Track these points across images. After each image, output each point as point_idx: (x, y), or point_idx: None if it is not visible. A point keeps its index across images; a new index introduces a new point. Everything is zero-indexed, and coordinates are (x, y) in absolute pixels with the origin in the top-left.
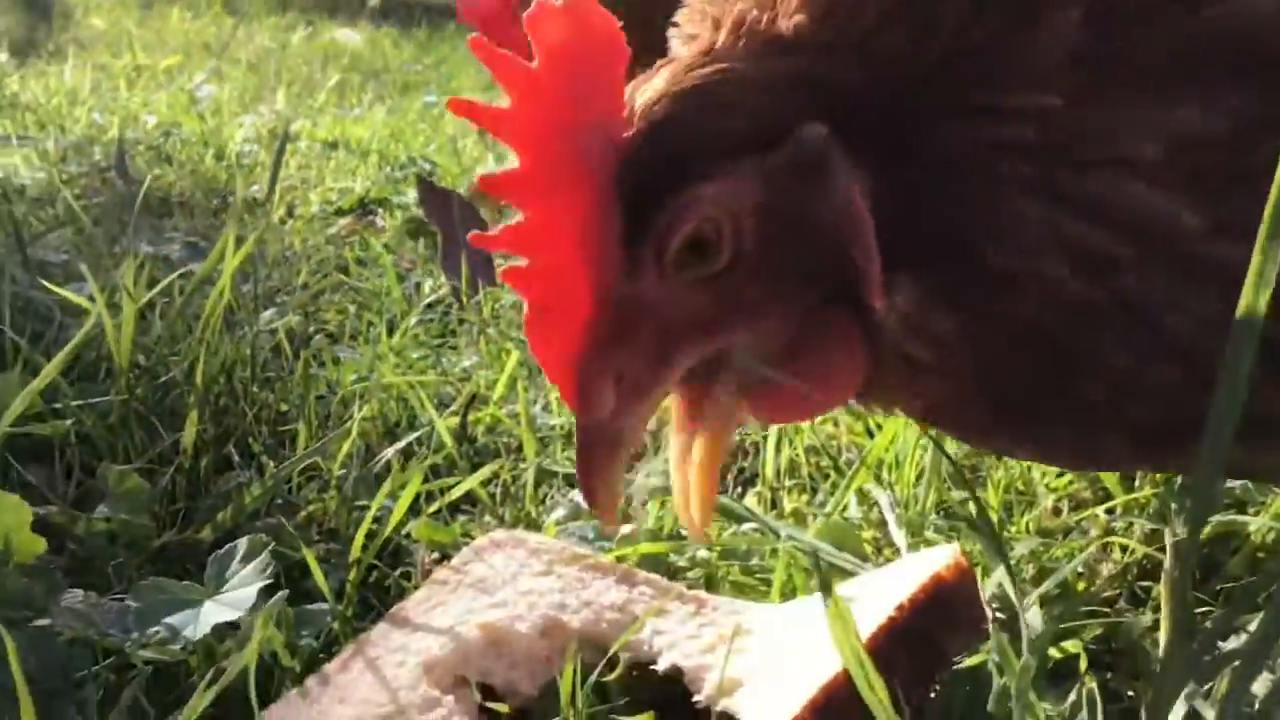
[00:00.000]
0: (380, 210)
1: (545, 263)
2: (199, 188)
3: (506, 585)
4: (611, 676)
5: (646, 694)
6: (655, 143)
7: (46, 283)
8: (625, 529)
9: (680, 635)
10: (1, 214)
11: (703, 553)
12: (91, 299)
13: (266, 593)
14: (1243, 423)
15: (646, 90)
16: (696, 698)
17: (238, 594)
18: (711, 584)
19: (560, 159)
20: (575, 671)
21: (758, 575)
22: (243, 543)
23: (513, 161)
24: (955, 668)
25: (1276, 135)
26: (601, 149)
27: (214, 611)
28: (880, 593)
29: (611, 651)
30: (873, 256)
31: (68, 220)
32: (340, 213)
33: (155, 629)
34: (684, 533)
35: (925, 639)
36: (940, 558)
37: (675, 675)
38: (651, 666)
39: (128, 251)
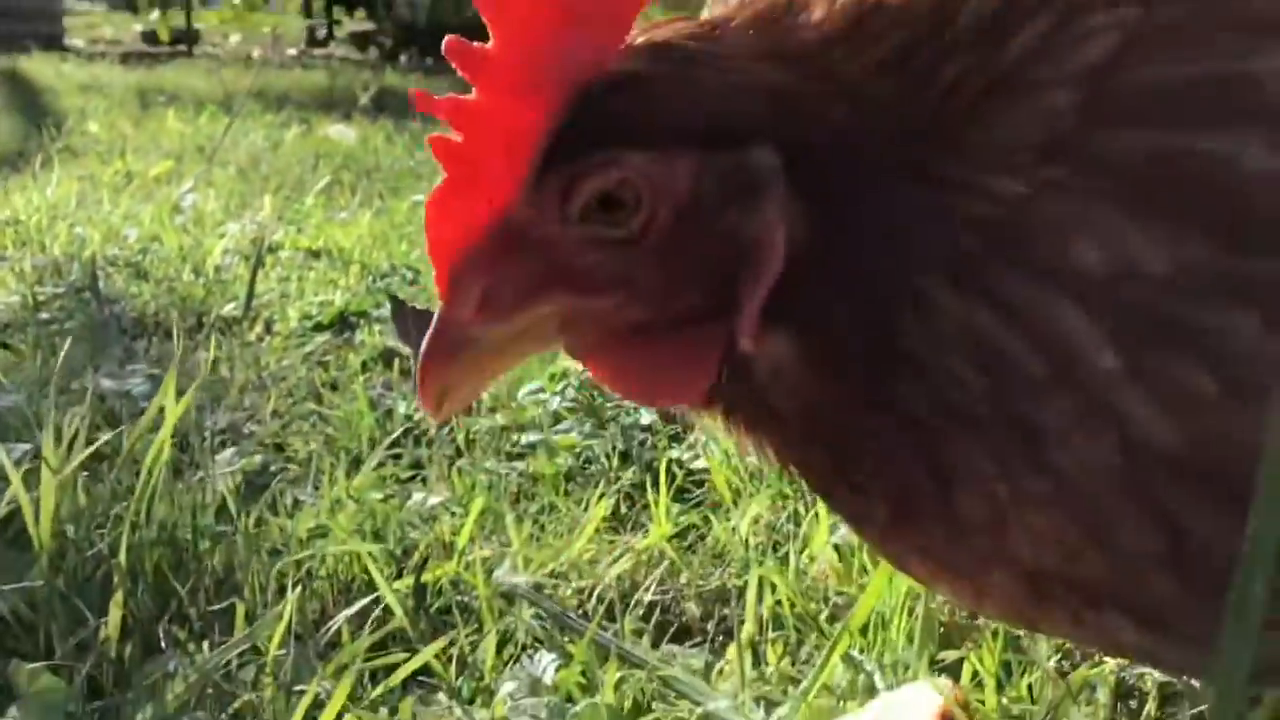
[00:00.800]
0: (361, 323)
1: (470, 151)
2: (175, 306)
3: None
4: None
5: None
6: (614, 92)
7: None
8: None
9: None
10: None
11: None
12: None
13: None
14: (1126, 603)
15: (648, 34)
16: None
17: None
18: None
19: (535, 58)
20: None
21: None
22: None
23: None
24: None
25: (1221, 297)
26: (577, 67)
27: None
28: None
29: None
30: (758, 298)
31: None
32: (319, 328)
33: None
34: None
35: None
36: (930, 697)
37: None
38: None
39: (82, 390)
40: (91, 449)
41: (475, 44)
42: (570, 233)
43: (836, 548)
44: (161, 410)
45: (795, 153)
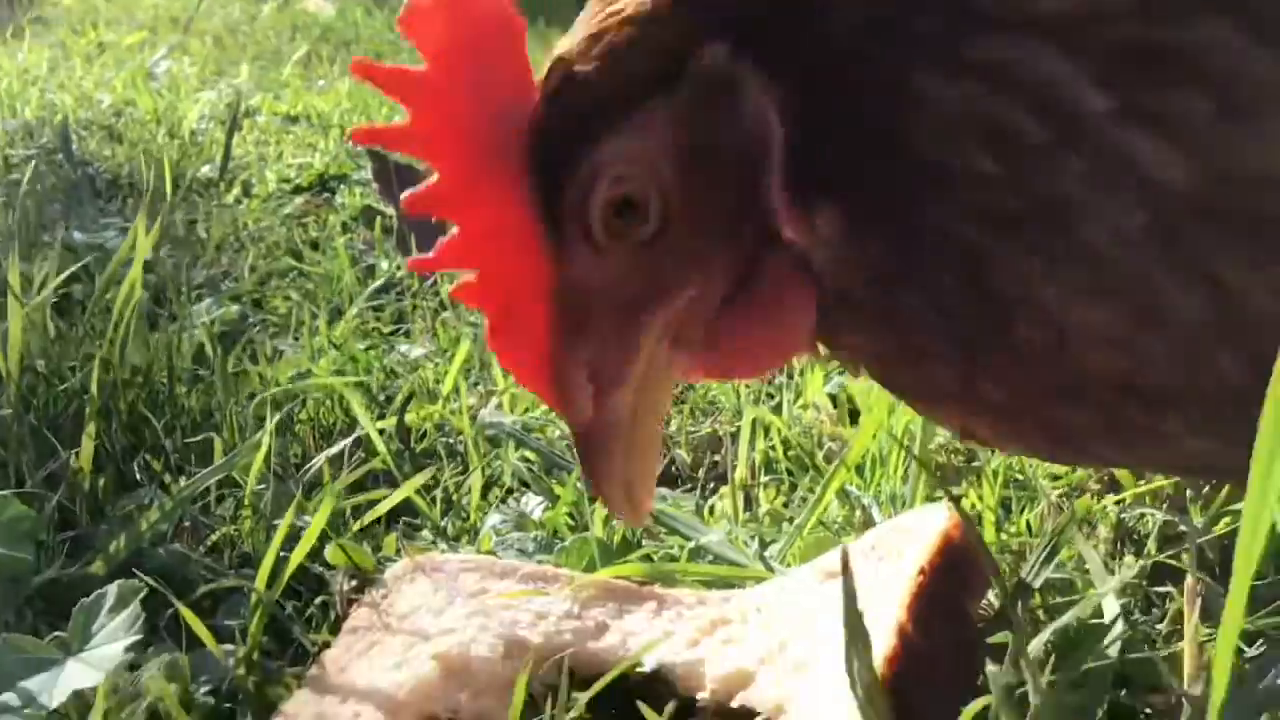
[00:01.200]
0: (340, 187)
1: (488, 271)
2: (150, 168)
3: (444, 612)
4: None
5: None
6: (554, 112)
7: None
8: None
9: (655, 634)
10: None
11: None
12: None
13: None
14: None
15: (552, 57)
16: (700, 695)
17: (101, 652)
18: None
19: (474, 160)
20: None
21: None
22: (113, 589)
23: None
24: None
25: (1197, 13)
26: (510, 135)
27: (76, 673)
28: (889, 556)
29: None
30: (777, 181)
31: (5, 209)
32: (298, 190)
33: (8, 694)
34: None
35: (951, 602)
36: (935, 518)
37: (665, 676)
38: (638, 669)
39: (54, 240)
40: (58, 280)
41: (423, 186)
42: (612, 259)
43: (832, 396)
44: (134, 249)
45: (741, 36)
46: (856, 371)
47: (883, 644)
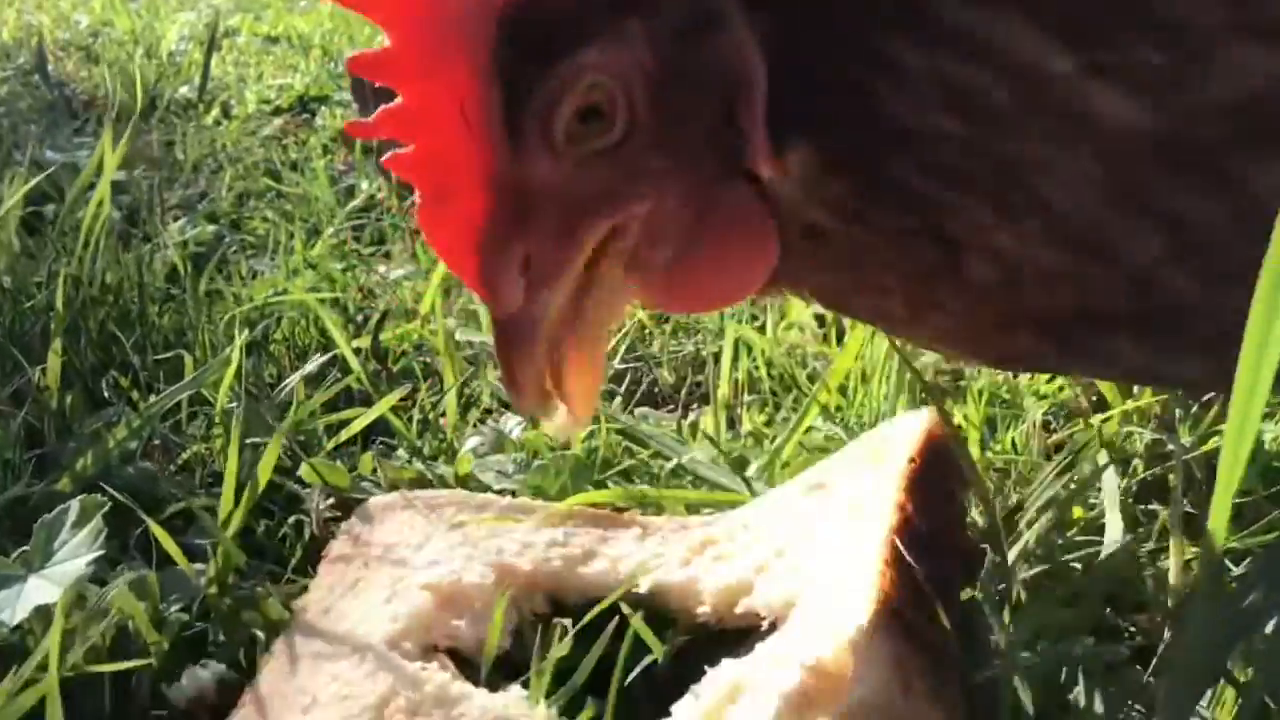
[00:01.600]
0: (321, 109)
1: (428, 148)
2: (127, 89)
3: (427, 545)
4: (603, 606)
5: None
6: (533, 9)
7: None
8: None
9: (645, 556)
10: None
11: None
12: None
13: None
14: (1138, 319)
15: None
16: (701, 609)
17: (63, 568)
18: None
19: (433, 32)
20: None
21: (707, 511)
22: (75, 504)
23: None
24: None
25: None
26: (479, 19)
27: (37, 589)
28: (878, 458)
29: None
30: (756, 117)
31: None
32: (277, 112)
33: None
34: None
35: (940, 486)
36: (918, 421)
37: (660, 598)
38: (635, 590)
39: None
40: (20, 194)
41: (373, 51)
42: (567, 162)
43: (818, 317)
44: (101, 166)
45: None
46: (809, 302)
47: (886, 521)
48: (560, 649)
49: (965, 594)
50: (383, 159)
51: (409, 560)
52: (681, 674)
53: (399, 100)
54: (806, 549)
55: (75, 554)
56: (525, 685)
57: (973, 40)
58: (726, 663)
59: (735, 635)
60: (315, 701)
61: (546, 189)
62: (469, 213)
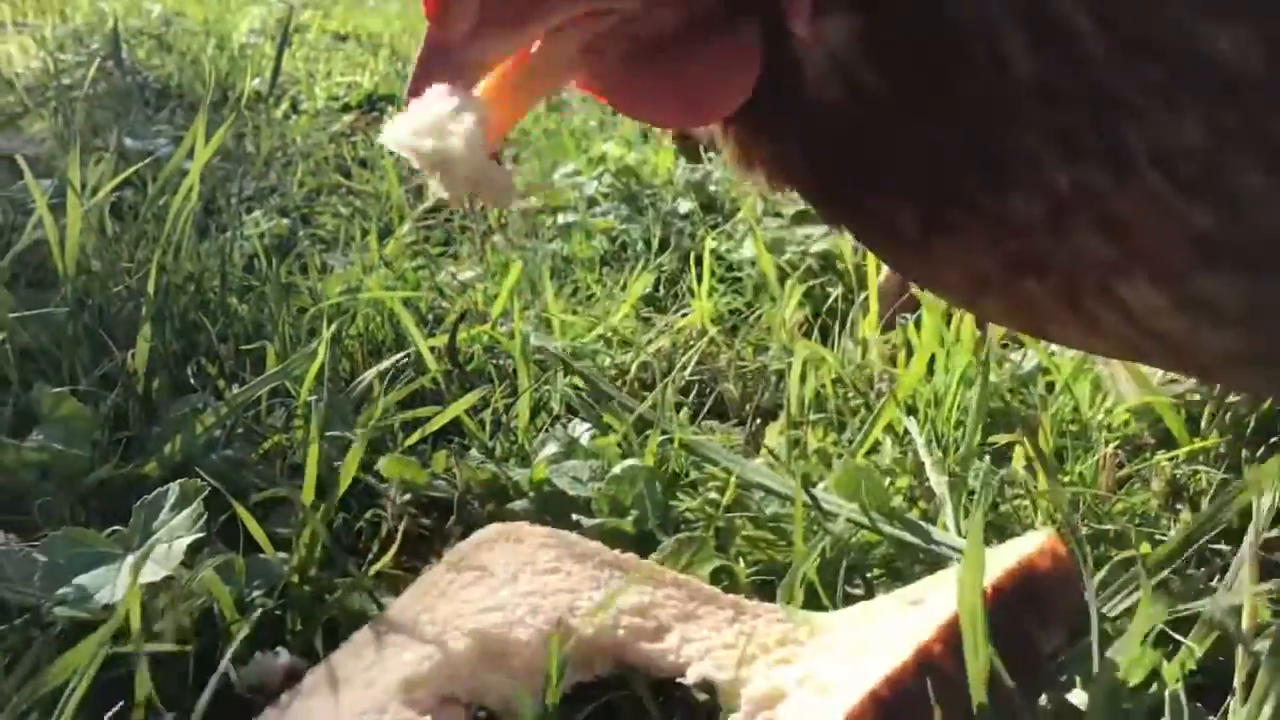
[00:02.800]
0: (389, 107)
1: None
2: (199, 80)
3: (506, 585)
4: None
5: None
6: None
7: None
8: None
9: (714, 644)
10: None
11: (713, 497)
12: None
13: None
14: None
15: None
16: (733, 717)
17: (165, 549)
18: (724, 536)
19: None
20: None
21: (772, 527)
22: (175, 488)
23: None
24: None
25: None
26: None
27: (139, 569)
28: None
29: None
30: None
31: (58, 109)
32: (346, 109)
33: (65, 589)
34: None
35: (1013, 632)
36: (1032, 543)
37: (705, 689)
38: (679, 680)
39: (105, 149)
40: (116, 182)
41: None
42: None
43: (884, 334)
44: (190, 155)
45: None
46: (774, 188)
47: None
48: None
49: None
50: None
51: (473, 600)
52: None
53: None
54: (843, 667)
55: (173, 536)
56: None
57: None
58: None
59: None
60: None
61: None
62: None
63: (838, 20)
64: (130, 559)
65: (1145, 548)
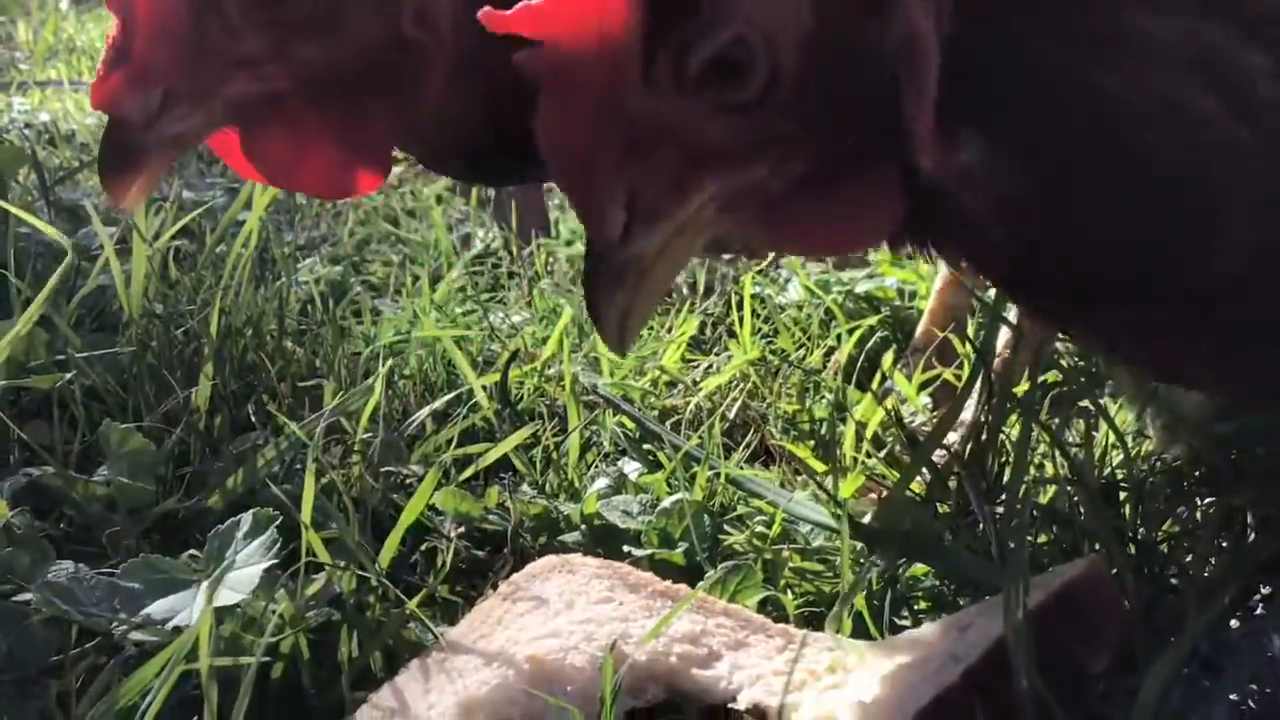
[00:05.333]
0: None
1: (563, 52)
2: None
3: (561, 614)
4: None
5: None
6: None
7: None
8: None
9: (765, 670)
10: (26, 153)
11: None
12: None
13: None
14: None
15: None
16: None
17: (239, 574)
18: (772, 567)
19: None
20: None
21: (819, 558)
22: (247, 517)
23: None
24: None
25: None
26: None
27: (215, 593)
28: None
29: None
30: (928, 107)
31: None
32: (394, 161)
33: (143, 613)
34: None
35: (1057, 653)
36: (1076, 569)
37: (757, 715)
38: (730, 706)
39: (163, 197)
40: (176, 228)
41: None
42: (694, 108)
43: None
44: (246, 205)
45: None
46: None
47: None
48: None
49: None
50: (514, 58)
51: (529, 628)
52: None
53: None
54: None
55: (248, 562)
56: None
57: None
58: None
59: None
60: None
61: (668, 129)
62: (588, 129)
63: (964, 143)
64: (205, 584)
65: (1189, 574)
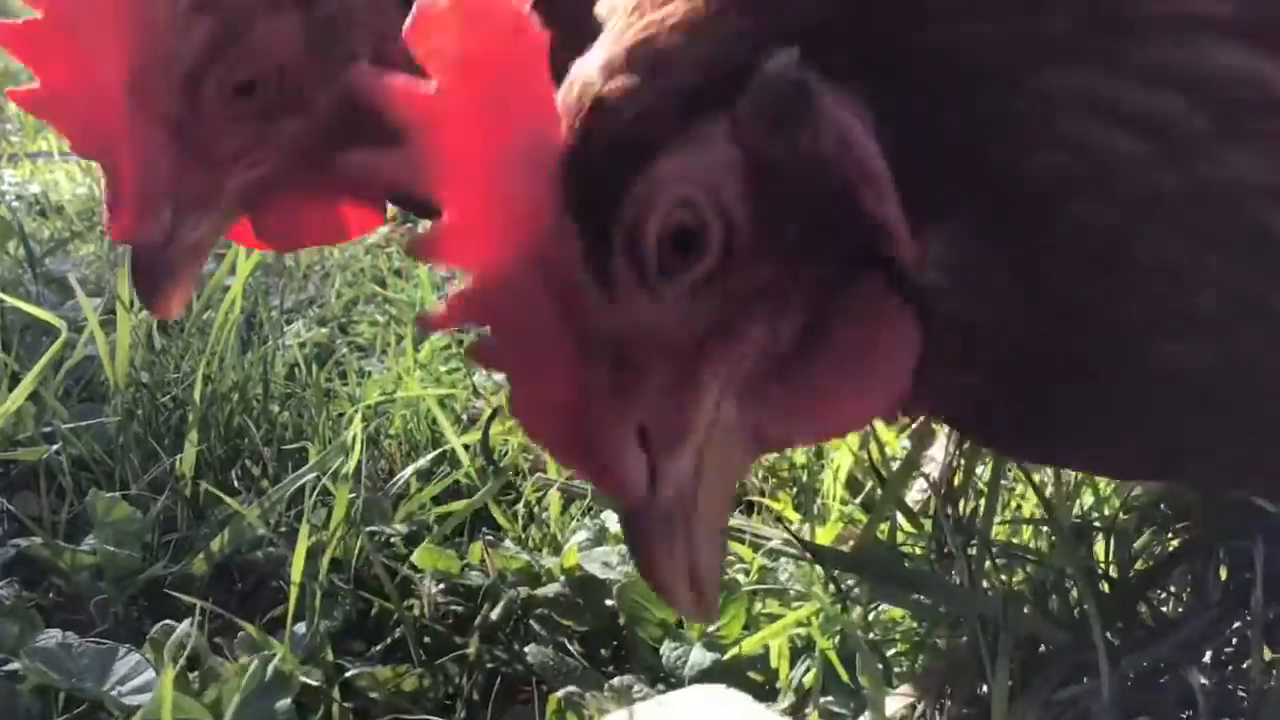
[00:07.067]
0: (422, 220)
1: (510, 324)
2: None
3: None
4: None
5: None
6: (591, 134)
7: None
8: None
9: None
10: (14, 227)
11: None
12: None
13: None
14: None
15: (575, 79)
16: None
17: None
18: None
19: (492, 194)
20: None
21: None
22: None
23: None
24: None
25: None
26: (538, 168)
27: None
28: None
29: None
30: (887, 195)
31: (103, 233)
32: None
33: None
34: None
35: None
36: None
37: None
38: None
39: None
40: None
41: (432, 228)
42: (666, 299)
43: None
44: (231, 271)
45: (804, 44)
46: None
47: None
48: None
49: None
50: (422, 315)
51: None
52: None
53: (468, 281)
54: None
55: None
56: None
57: (1159, 67)
58: None
59: None
60: None
61: (650, 337)
62: (569, 389)
63: (942, 239)
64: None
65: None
